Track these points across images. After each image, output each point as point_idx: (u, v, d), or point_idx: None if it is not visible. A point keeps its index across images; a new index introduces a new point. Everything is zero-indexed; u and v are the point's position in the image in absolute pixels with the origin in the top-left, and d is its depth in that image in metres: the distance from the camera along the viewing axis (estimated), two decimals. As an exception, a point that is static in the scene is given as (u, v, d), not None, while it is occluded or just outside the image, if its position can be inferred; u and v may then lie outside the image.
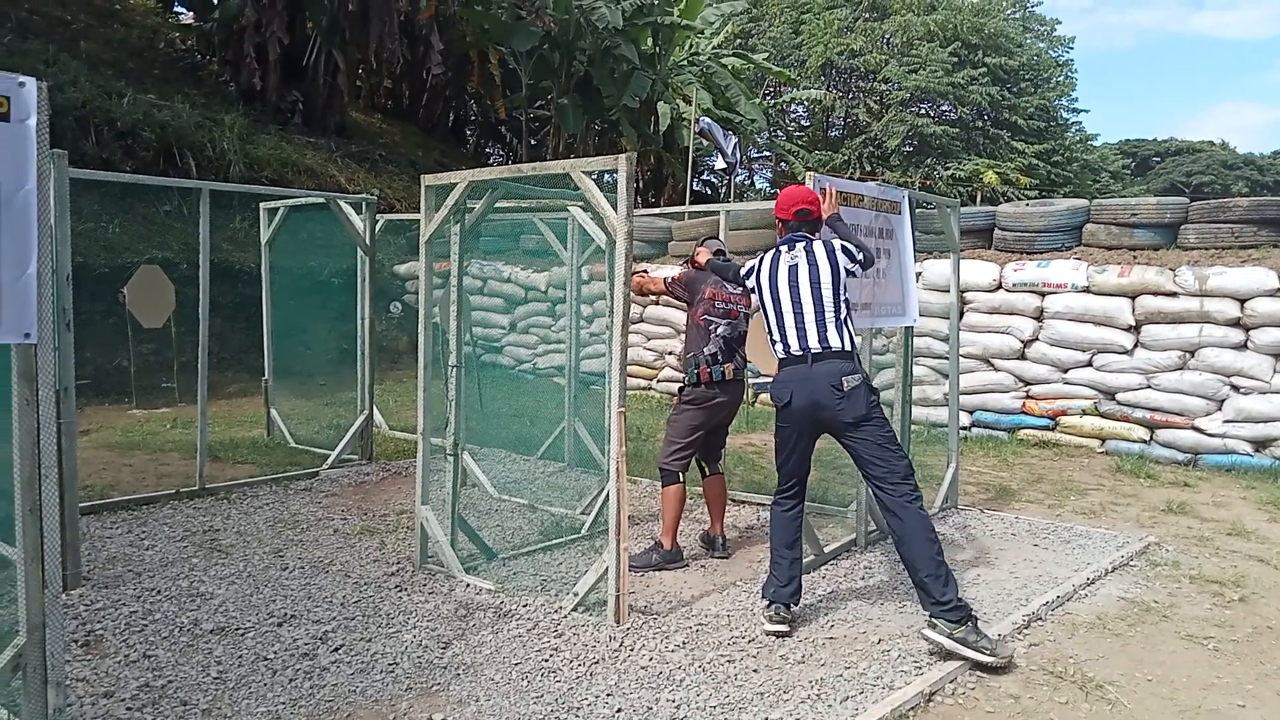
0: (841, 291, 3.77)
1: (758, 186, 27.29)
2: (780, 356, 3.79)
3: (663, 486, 4.55)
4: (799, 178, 21.25)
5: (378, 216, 7.18)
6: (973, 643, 3.34)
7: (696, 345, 4.55)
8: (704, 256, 4.58)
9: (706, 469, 4.78)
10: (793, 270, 3.81)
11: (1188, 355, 7.24)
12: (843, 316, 3.76)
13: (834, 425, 3.68)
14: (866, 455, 3.66)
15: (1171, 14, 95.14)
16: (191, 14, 16.13)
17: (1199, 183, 30.75)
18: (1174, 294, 7.33)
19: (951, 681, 3.27)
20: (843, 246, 3.87)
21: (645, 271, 5.07)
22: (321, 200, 6.75)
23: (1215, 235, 7.81)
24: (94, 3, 14.87)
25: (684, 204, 15.71)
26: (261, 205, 7.43)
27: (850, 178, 22.88)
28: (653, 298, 10.28)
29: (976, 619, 3.45)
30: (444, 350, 4.99)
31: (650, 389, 10.38)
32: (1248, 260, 7.43)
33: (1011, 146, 24.43)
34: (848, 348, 3.71)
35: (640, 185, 20.72)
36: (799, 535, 3.88)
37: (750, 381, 9.37)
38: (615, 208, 3.75)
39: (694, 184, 20.86)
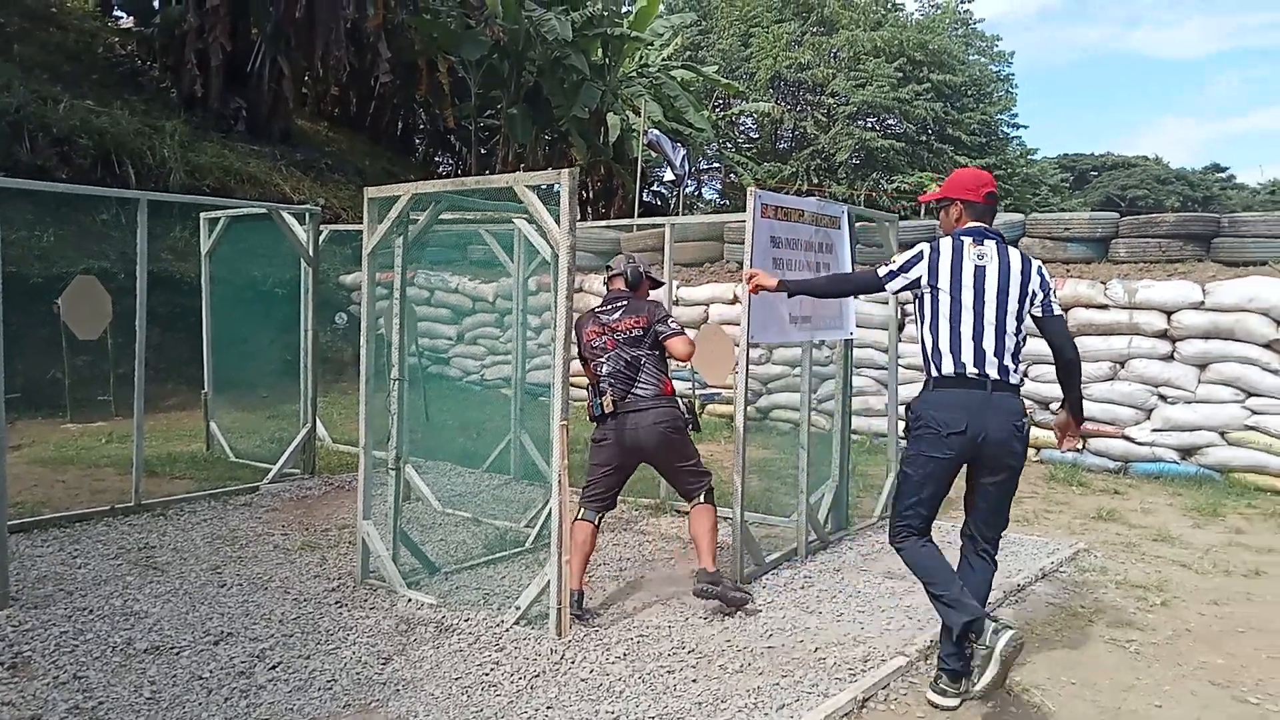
0: (1024, 317, 3.25)
1: (706, 198, 27.52)
2: (946, 373, 3.19)
3: None
4: (747, 189, 21.46)
5: (323, 227, 7.12)
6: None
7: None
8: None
9: (688, 504, 4.32)
10: (980, 272, 3.21)
11: (1118, 366, 7.48)
12: (1018, 344, 3.25)
13: (991, 464, 3.19)
14: (992, 503, 3.26)
15: (1111, 31, 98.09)
16: (131, 19, 15.80)
17: (1133, 196, 31.66)
18: (1105, 306, 7.57)
19: (884, 688, 3.35)
20: (1040, 268, 3.29)
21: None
22: (263, 211, 6.68)
23: (1144, 249, 8.10)
24: (29, 5, 14.49)
25: (633, 215, 15.80)
26: (202, 215, 7.32)
27: (798, 189, 23.19)
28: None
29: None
30: (389, 362, 4.97)
31: (599, 400, 10.39)
32: (1174, 274, 7.72)
33: (955, 161, 24.92)
34: (1018, 383, 3.24)
35: (590, 196, 20.76)
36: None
37: (697, 392, 9.47)
38: (558, 221, 3.78)
39: (644, 195, 20.97)
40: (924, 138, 25.39)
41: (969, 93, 26.53)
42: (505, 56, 16.93)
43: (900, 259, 3.39)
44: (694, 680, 3.41)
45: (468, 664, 3.51)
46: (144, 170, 11.45)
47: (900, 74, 24.57)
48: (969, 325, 3.18)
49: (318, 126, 18.41)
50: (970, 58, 27.71)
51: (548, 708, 3.18)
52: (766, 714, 3.15)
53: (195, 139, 12.95)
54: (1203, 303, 7.21)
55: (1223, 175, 36.46)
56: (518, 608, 3.91)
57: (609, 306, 4.30)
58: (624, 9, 18.76)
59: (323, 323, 9.07)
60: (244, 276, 9.28)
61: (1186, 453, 7.22)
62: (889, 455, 5.96)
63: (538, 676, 3.41)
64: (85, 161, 10.92)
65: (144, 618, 3.92)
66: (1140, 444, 7.35)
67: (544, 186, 3.96)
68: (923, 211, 21.85)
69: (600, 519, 4.22)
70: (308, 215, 6.63)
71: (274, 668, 3.46)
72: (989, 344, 3.17)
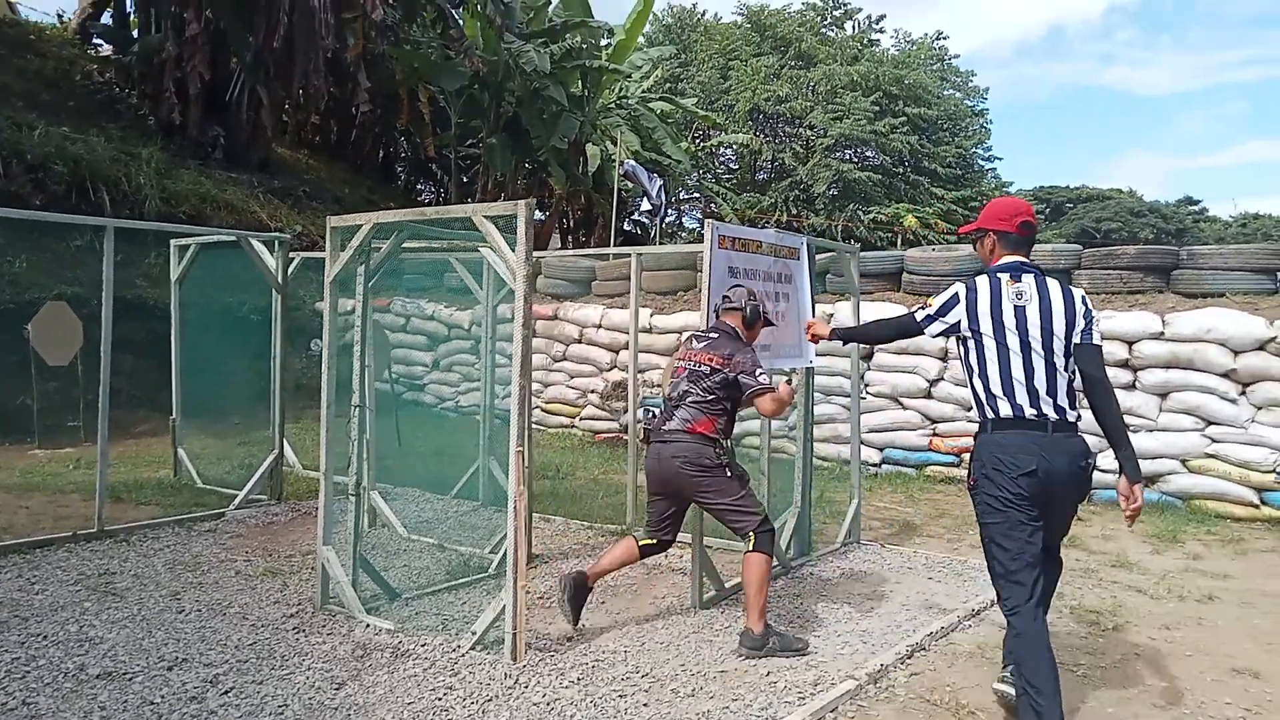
0: (1072, 351, 3.18)
1: (688, 226, 27.78)
2: (1004, 415, 3.15)
3: None
4: (726, 219, 21.71)
5: (297, 254, 7.17)
6: None
7: None
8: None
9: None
10: (1020, 313, 3.16)
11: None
12: (1070, 381, 3.17)
13: (1057, 505, 3.20)
14: (1055, 526, 3.25)
15: (1087, 68, 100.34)
16: (110, 47, 15.87)
17: (1108, 229, 32.17)
18: (1067, 336, 7.69)
19: (832, 711, 3.38)
20: (1084, 298, 3.24)
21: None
22: (233, 239, 6.72)
23: (1106, 281, 8.26)
24: (7, 33, 14.56)
25: (610, 244, 15.93)
26: (172, 242, 7.35)
27: (777, 220, 23.45)
28: (577, 340, 10.40)
29: None
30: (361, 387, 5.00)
31: (573, 427, 10.43)
32: (1135, 305, 7.86)
33: (931, 192, 25.37)
34: (1075, 420, 3.18)
35: (571, 225, 20.92)
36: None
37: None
38: (516, 251, 3.85)
39: (625, 224, 21.15)
40: (900, 169, 25.79)
41: (944, 126, 27.03)
42: (485, 87, 17.11)
43: (937, 302, 3.33)
44: (645, 704, 3.43)
45: (421, 689, 3.52)
46: (119, 197, 11.46)
47: (877, 107, 25.00)
48: (1019, 368, 3.13)
49: (298, 155, 18.49)
50: (945, 92, 28.25)
51: (498, 732, 3.20)
52: (715, 737, 3.18)
53: (172, 166, 12.98)
54: (1162, 333, 7.34)
55: (1195, 208, 37.08)
56: (474, 632, 3.92)
57: (703, 333, 4.26)
58: (603, 42, 19.01)
59: (298, 350, 9.09)
60: (217, 303, 9.30)
61: (1149, 480, 7.31)
62: (852, 481, 6.02)
63: (490, 701, 3.43)
64: (60, 188, 10.92)
65: (99, 644, 3.90)
66: (1104, 471, 7.42)
67: (503, 217, 4.03)
68: (899, 242, 22.16)
69: (649, 547, 4.19)
70: (277, 243, 6.67)
71: (226, 693, 3.46)
72: (1040, 384, 3.12)
